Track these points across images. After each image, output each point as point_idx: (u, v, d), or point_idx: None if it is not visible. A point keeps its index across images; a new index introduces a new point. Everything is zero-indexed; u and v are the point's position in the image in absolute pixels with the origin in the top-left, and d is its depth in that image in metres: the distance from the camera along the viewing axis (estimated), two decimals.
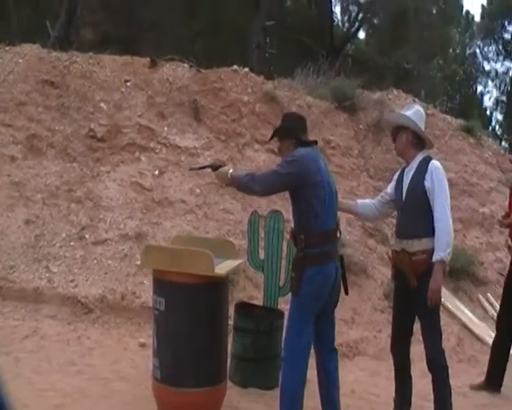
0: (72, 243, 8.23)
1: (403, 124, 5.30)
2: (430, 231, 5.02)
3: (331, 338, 5.14)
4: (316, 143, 5.21)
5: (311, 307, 4.82)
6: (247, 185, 4.88)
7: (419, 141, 5.28)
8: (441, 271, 4.99)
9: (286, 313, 6.09)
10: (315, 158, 4.90)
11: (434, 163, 5.19)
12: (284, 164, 4.82)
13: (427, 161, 5.22)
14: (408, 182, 5.25)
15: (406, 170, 5.33)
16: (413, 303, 5.19)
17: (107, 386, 5.81)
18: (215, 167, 5.07)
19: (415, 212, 5.14)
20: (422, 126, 5.32)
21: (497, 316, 7.12)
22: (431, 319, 5.15)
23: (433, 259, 4.95)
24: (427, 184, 5.07)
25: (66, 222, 8.52)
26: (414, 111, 5.33)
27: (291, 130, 5.05)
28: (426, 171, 5.12)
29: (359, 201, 5.96)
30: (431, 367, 5.16)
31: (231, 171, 4.95)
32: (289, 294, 5.37)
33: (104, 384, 5.84)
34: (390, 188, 5.54)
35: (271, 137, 5.27)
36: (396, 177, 5.51)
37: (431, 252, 4.98)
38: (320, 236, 4.79)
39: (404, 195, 5.27)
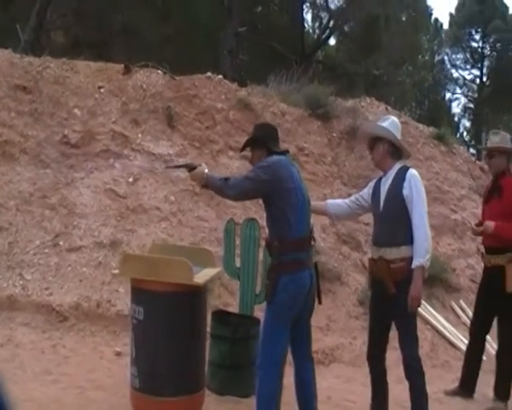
0: (46, 251, 8.18)
1: (380, 134, 5.35)
2: (408, 239, 5.08)
3: (307, 347, 5.17)
4: (287, 151, 5.25)
5: (286, 315, 4.84)
6: (221, 189, 4.92)
7: (396, 151, 5.34)
8: (421, 277, 5.05)
9: (262, 321, 6.15)
10: (287, 165, 4.94)
11: (412, 171, 5.25)
12: (257, 170, 4.87)
13: (404, 170, 5.28)
14: (385, 191, 5.29)
15: (383, 180, 5.38)
16: (390, 311, 5.24)
17: (83, 395, 5.78)
18: (190, 168, 5.07)
19: (393, 220, 5.19)
20: (399, 136, 5.39)
21: (471, 323, 7.21)
22: (408, 327, 5.21)
23: (413, 265, 5.01)
24: (405, 192, 5.13)
25: (40, 229, 8.46)
26: (390, 122, 5.39)
27: (262, 140, 5.08)
28: (404, 179, 5.18)
29: (330, 201, 6.05)
30: (408, 374, 5.22)
31: (206, 171, 4.98)
32: (265, 302, 5.42)
33: (80, 393, 5.81)
34: (366, 194, 5.58)
35: (243, 148, 5.30)
36: (372, 186, 5.55)
37: (409, 260, 5.04)
38: (294, 243, 4.82)
39: (381, 204, 5.32)
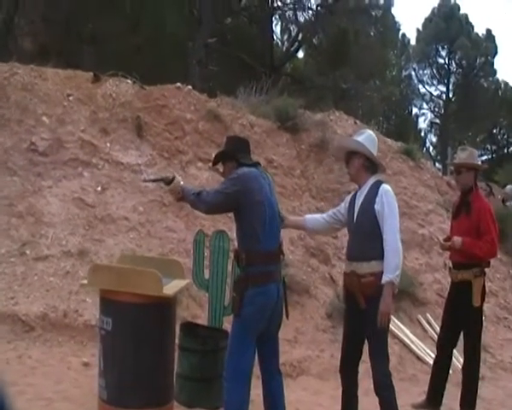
0: (12, 259, 8.08)
1: (354, 149, 5.37)
2: (379, 254, 5.09)
3: (275, 361, 5.18)
4: (259, 164, 5.25)
5: (253, 328, 4.84)
6: (194, 203, 4.98)
7: (371, 165, 5.36)
8: (390, 293, 5.05)
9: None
10: (257, 177, 4.95)
11: (385, 187, 5.26)
12: (227, 182, 4.90)
13: (377, 184, 5.28)
14: (359, 205, 5.31)
15: (358, 194, 5.40)
16: (362, 326, 5.24)
17: (50, 407, 5.71)
18: (168, 182, 5.07)
19: (364, 234, 5.21)
20: (374, 151, 5.40)
21: (438, 337, 7.27)
22: (378, 342, 5.21)
23: (382, 281, 5.01)
24: (377, 207, 5.14)
25: (7, 237, 8.36)
26: (366, 136, 5.41)
27: (232, 153, 5.11)
28: (376, 194, 5.19)
29: (308, 216, 6.08)
30: (378, 390, 5.21)
31: (182, 183, 5.05)
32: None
33: (47, 405, 5.73)
34: (342, 209, 5.60)
35: (215, 163, 5.34)
36: (348, 200, 5.57)
37: (380, 274, 5.05)
38: (261, 256, 4.83)
39: (354, 218, 5.33)
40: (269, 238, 4.90)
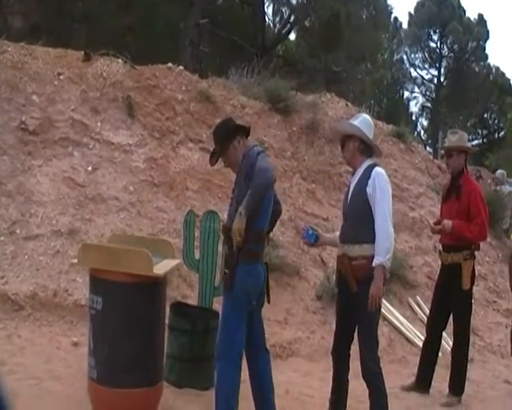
0: (1, 238, 8.04)
1: (350, 132, 5.35)
2: (371, 238, 5.08)
3: (261, 339, 5.20)
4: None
5: (245, 303, 4.87)
6: (255, 190, 4.72)
7: (366, 148, 5.33)
8: (381, 276, 5.05)
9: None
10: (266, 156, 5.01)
11: (377, 170, 5.24)
12: (265, 159, 4.90)
13: (371, 167, 5.27)
14: (352, 188, 5.32)
15: (353, 177, 5.40)
16: (354, 307, 5.24)
17: (39, 386, 5.70)
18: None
19: (357, 217, 5.20)
20: (370, 134, 5.37)
21: (428, 319, 7.31)
22: (368, 326, 5.22)
23: (373, 264, 5.02)
24: (369, 190, 5.13)
25: None
26: (360, 119, 5.40)
27: (226, 141, 5.07)
28: (369, 177, 5.17)
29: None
30: (365, 374, 5.21)
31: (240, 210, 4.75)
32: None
33: (36, 384, 5.73)
34: None
35: (215, 162, 5.30)
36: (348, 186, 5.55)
37: (371, 258, 5.04)
38: (253, 235, 4.82)
39: (348, 200, 5.35)
40: (264, 218, 4.95)
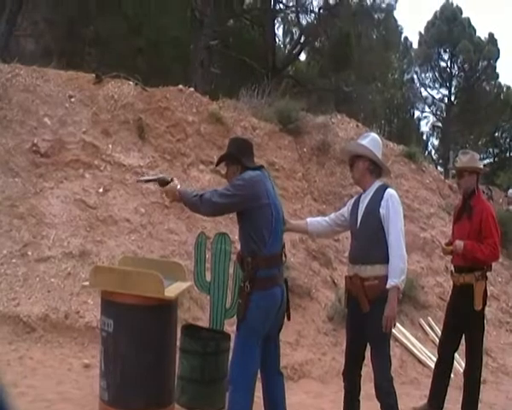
0: (13, 260, 8.08)
1: (359, 152, 5.35)
2: (383, 258, 5.07)
3: (276, 362, 5.18)
4: (262, 166, 5.22)
5: (258, 332, 4.84)
6: (195, 204, 4.87)
7: (375, 168, 5.34)
8: (396, 298, 5.05)
9: (232, 336, 6.13)
10: (263, 180, 4.94)
11: (390, 191, 5.25)
12: (232, 186, 4.85)
13: (383, 188, 5.28)
14: (363, 208, 5.29)
15: (362, 197, 5.38)
16: (365, 329, 5.21)
17: (51, 408, 5.70)
18: (162, 182, 5.03)
19: (369, 238, 5.19)
20: (379, 154, 5.39)
21: (439, 341, 7.26)
22: (381, 346, 5.20)
23: (388, 285, 5.00)
24: (382, 211, 5.13)
25: (8, 238, 8.35)
26: (370, 139, 5.40)
27: (236, 155, 5.07)
28: (382, 198, 5.17)
29: (310, 219, 5.98)
30: (379, 395, 5.18)
31: (179, 187, 4.96)
32: (235, 317, 5.41)
33: (48, 407, 5.73)
34: (345, 212, 5.58)
35: (218, 163, 5.30)
36: (352, 203, 5.55)
37: (383, 278, 5.03)
38: (267, 260, 4.82)
39: (358, 221, 5.31)
40: (274, 242, 4.90)
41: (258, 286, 4.77)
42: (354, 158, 5.41)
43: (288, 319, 5.19)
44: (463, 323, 6.69)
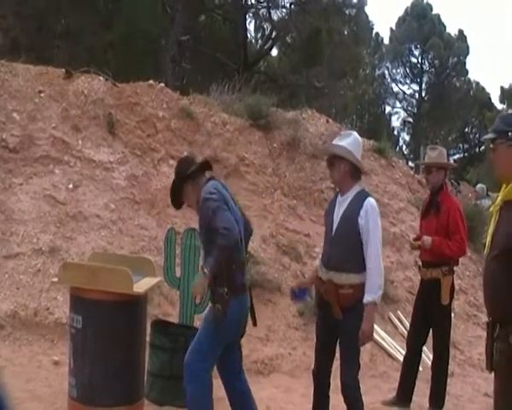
0: None
1: (341, 155, 5.15)
2: (359, 267, 4.99)
3: (238, 365, 5.18)
4: (214, 178, 5.17)
5: (229, 337, 4.88)
6: (220, 251, 4.61)
7: (356, 172, 5.19)
8: (373, 313, 5.02)
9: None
10: (222, 187, 4.97)
11: (370, 201, 5.09)
12: (210, 202, 4.71)
13: (363, 196, 5.14)
14: (341, 213, 5.16)
15: (340, 199, 5.24)
16: (336, 332, 5.16)
17: (20, 406, 5.62)
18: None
19: (345, 246, 5.07)
20: (359, 155, 5.24)
21: (408, 334, 7.35)
22: (351, 354, 5.15)
23: (365, 300, 4.92)
24: (360, 221, 4.99)
25: None
26: (352, 140, 5.20)
27: (192, 173, 5.03)
28: (361, 207, 5.04)
29: (319, 260, 5.69)
30: (345, 395, 5.16)
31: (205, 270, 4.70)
32: (204, 312, 5.43)
33: (17, 405, 5.62)
34: None
35: (178, 207, 5.37)
36: (328, 203, 5.47)
37: (358, 287, 4.96)
38: (239, 267, 4.83)
39: (334, 226, 5.18)
40: (243, 247, 4.92)
41: (235, 292, 4.76)
42: (334, 158, 5.22)
43: (254, 324, 5.20)
44: (431, 317, 6.78)
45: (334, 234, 5.18)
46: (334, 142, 5.31)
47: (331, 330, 5.19)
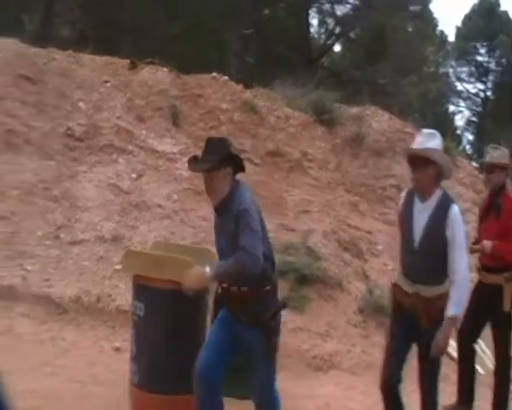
0: (47, 242, 8.14)
1: (435, 160, 4.77)
2: (445, 277, 4.75)
3: None
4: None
5: None
6: (237, 267, 4.28)
7: (439, 175, 4.84)
8: (451, 328, 4.77)
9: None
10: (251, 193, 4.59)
11: (455, 210, 4.75)
12: (248, 219, 4.29)
13: (447, 202, 4.79)
14: (424, 224, 4.81)
15: (419, 206, 4.87)
16: (415, 340, 4.91)
17: (82, 389, 5.75)
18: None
19: (432, 259, 4.77)
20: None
21: (459, 330, 6.99)
22: (433, 366, 4.92)
23: (448, 314, 4.65)
24: (448, 233, 4.69)
25: (42, 220, 8.42)
26: (439, 142, 4.91)
27: (224, 161, 4.43)
28: (446, 217, 4.71)
29: None
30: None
31: (207, 270, 4.41)
32: None
33: (80, 387, 5.77)
34: None
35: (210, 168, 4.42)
36: (403, 203, 5.04)
37: (444, 297, 4.69)
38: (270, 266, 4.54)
39: (416, 236, 4.84)
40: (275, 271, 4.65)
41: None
42: (422, 161, 4.81)
43: None
44: (491, 323, 6.59)
45: (419, 247, 4.83)
46: (420, 142, 4.91)
47: (409, 337, 4.93)
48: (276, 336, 4.57)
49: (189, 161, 4.69)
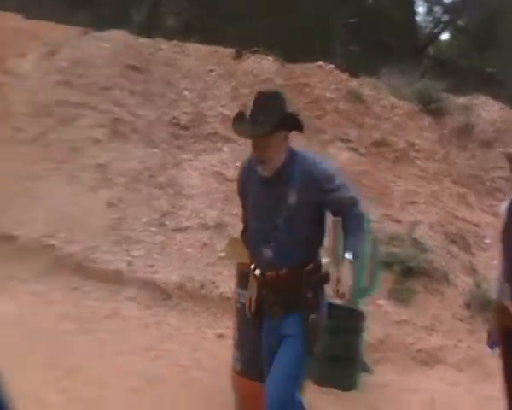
0: (152, 229, 8.27)
1: None
2: None
3: None
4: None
5: None
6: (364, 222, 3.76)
7: None
8: None
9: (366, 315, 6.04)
10: None
11: None
12: (341, 177, 3.83)
13: None
14: None
15: None
16: None
17: (186, 374, 5.81)
18: None
19: None
20: None
21: None
22: None
23: None
24: None
25: (148, 207, 8.56)
26: None
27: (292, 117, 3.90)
28: None
29: None
30: None
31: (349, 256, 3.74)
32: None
33: (183, 372, 5.85)
34: None
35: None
36: (505, 216, 4.36)
37: None
38: None
39: None
40: None
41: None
42: None
43: None
44: None
45: None
46: None
47: None
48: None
49: (236, 122, 3.89)
